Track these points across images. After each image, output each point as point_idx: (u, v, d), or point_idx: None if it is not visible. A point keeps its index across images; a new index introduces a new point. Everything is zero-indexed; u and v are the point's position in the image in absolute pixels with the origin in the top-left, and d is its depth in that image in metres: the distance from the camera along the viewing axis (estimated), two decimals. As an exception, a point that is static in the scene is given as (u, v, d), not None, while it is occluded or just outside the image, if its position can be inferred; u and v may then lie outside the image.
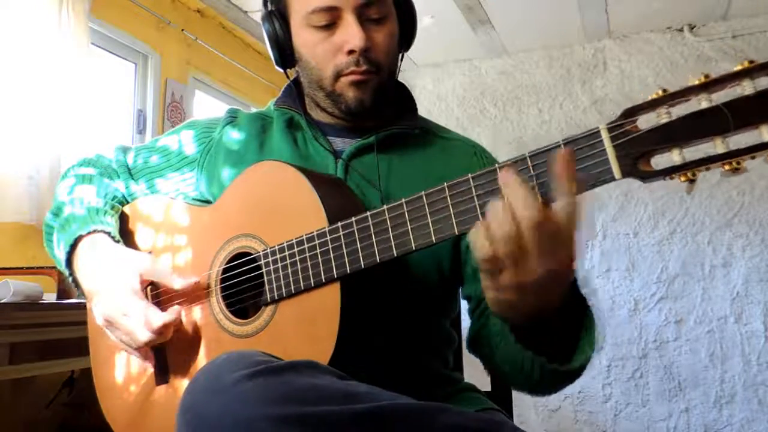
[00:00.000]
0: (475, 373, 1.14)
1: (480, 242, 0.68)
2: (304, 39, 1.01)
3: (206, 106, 3.52)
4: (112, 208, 1.10)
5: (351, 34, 0.96)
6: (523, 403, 3.76)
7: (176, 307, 0.97)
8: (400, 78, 1.12)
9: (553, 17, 3.60)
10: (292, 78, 1.13)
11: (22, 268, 2.13)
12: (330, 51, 0.98)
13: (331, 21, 0.97)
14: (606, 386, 3.66)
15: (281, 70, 1.10)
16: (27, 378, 2.13)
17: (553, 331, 0.79)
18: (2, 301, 1.78)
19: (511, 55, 4.10)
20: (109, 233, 1.03)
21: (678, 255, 3.60)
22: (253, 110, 1.19)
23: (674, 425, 3.50)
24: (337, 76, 0.99)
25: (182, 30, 3.21)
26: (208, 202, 1.09)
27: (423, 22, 3.54)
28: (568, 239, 0.67)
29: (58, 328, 1.91)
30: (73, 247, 1.03)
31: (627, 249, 3.70)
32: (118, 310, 0.94)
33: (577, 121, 3.88)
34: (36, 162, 2.28)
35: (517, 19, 3.59)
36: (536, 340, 0.79)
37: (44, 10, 2.35)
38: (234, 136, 1.12)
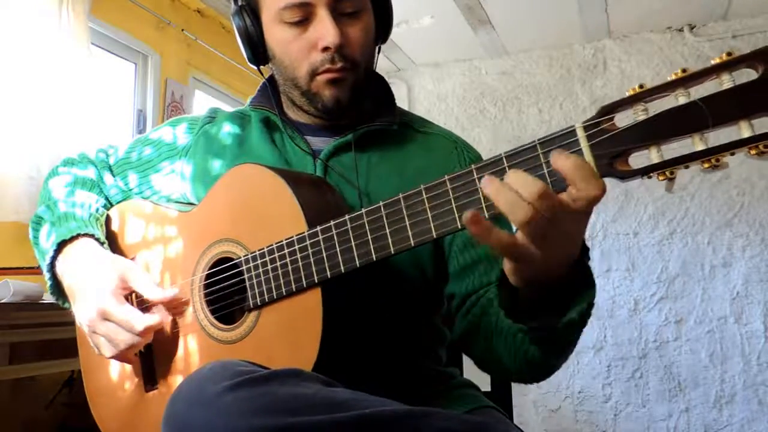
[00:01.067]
0: (476, 371, 1.11)
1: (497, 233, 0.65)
2: (277, 36, 0.99)
3: (206, 106, 3.51)
4: (98, 211, 1.10)
5: (325, 30, 0.93)
6: (523, 403, 3.76)
7: (160, 309, 0.96)
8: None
9: (553, 17, 3.59)
10: (266, 76, 1.11)
11: (22, 268, 2.13)
12: (304, 48, 0.96)
13: (303, 17, 0.95)
14: (606, 386, 3.65)
15: (254, 67, 1.08)
16: (27, 378, 2.13)
17: (553, 299, 0.75)
18: (2, 301, 1.79)
19: (511, 55, 4.09)
20: (93, 236, 1.03)
21: (678, 255, 3.59)
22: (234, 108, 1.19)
23: (674, 425, 3.50)
24: (313, 74, 0.97)
25: (182, 30, 3.21)
26: (191, 204, 1.08)
27: (423, 22, 3.54)
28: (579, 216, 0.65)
29: (58, 328, 1.91)
30: (56, 253, 1.02)
31: (627, 249, 3.70)
32: (99, 314, 0.93)
33: (577, 121, 3.85)
34: (36, 162, 2.28)
35: (517, 19, 3.59)
36: (533, 310, 0.76)
37: (44, 10, 2.35)
38: (213, 135, 1.11)
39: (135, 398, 1.03)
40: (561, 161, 0.63)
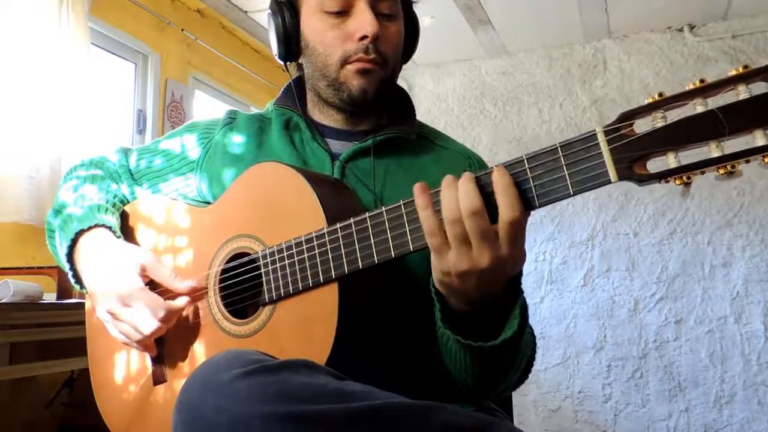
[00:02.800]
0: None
1: (427, 217, 0.75)
2: (314, 25, 1.02)
3: (206, 106, 3.52)
4: (114, 206, 1.11)
5: (364, 20, 0.97)
6: (523, 403, 3.76)
7: (183, 297, 0.98)
8: (400, 78, 1.13)
9: (553, 17, 3.60)
10: (293, 77, 1.14)
11: (22, 268, 2.13)
12: (340, 37, 0.99)
13: (344, 8, 0.99)
14: (606, 386, 3.66)
15: (282, 63, 1.10)
16: (27, 378, 2.13)
17: (485, 316, 0.81)
18: (2, 301, 1.79)
19: (511, 55, 4.10)
20: (110, 228, 1.04)
21: (678, 255, 3.60)
22: (253, 110, 1.19)
23: (674, 425, 3.50)
24: (344, 62, 1.00)
25: (182, 30, 3.21)
26: (207, 202, 1.09)
27: (423, 22, 3.53)
28: (507, 239, 0.72)
29: (58, 328, 1.91)
30: (74, 242, 1.03)
31: (627, 249, 3.70)
32: (121, 300, 0.95)
33: (577, 121, 3.88)
34: (36, 162, 2.28)
35: (517, 19, 3.59)
36: (466, 323, 0.82)
37: (44, 10, 2.35)
38: (232, 137, 1.12)
39: (143, 391, 1.03)
40: (496, 178, 0.72)
